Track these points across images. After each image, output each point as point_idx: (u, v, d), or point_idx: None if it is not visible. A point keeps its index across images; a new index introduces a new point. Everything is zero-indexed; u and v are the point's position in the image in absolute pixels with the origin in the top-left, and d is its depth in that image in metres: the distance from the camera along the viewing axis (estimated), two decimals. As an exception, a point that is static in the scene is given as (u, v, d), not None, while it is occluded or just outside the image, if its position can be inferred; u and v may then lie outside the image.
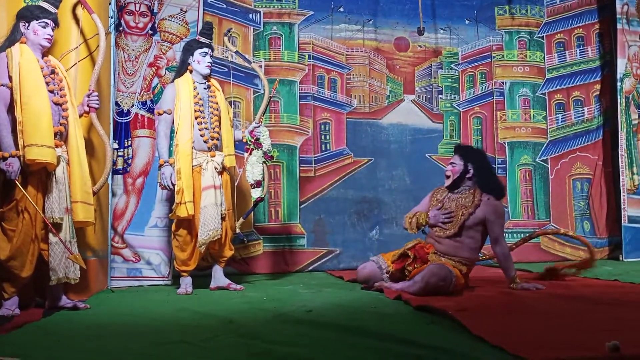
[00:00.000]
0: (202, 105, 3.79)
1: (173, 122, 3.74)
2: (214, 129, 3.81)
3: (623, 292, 3.31)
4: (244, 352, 2.03)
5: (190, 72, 3.84)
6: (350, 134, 5.27)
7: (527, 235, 4.52)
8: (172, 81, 3.87)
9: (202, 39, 3.89)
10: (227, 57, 4.91)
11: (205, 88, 3.87)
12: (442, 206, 3.54)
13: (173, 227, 3.75)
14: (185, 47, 3.92)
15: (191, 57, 3.83)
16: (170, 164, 3.68)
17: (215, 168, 3.74)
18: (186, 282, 3.74)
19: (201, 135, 3.74)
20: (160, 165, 3.71)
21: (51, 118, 2.97)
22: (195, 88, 3.79)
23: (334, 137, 5.24)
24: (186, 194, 3.61)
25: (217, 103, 3.88)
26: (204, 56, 3.83)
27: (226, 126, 3.90)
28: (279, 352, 2.01)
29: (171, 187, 3.67)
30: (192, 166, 3.68)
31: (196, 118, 3.74)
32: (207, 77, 3.90)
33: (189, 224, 3.70)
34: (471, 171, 3.52)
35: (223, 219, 3.72)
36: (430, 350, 1.96)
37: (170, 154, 3.81)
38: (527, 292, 3.33)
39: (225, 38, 4.58)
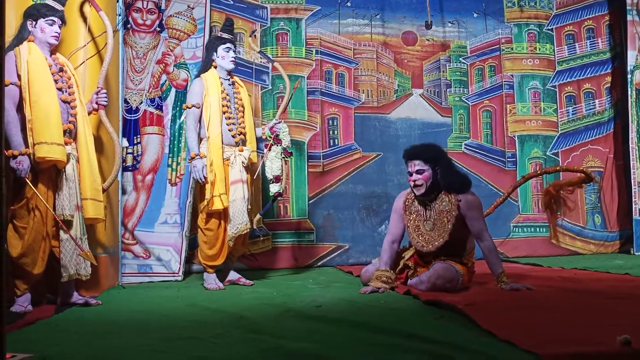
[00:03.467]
0: (229, 101, 3.84)
1: (201, 116, 3.77)
2: (240, 124, 3.87)
3: (634, 286, 3.28)
4: (254, 348, 2.03)
5: (215, 68, 3.88)
6: (359, 129, 5.26)
7: (518, 180, 4.45)
8: (198, 76, 3.91)
9: (225, 35, 3.93)
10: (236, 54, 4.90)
11: (230, 84, 3.92)
12: (420, 218, 3.35)
13: (201, 222, 3.77)
14: (209, 45, 3.99)
15: (215, 54, 3.89)
16: (202, 157, 3.70)
17: (242, 162, 3.78)
18: (213, 278, 3.76)
19: (229, 130, 3.79)
20: (192, 159, 3.72)
21: (60, 116, 2.99)
22: (221, 84, 3.84)
23: (342, 132, 5.23)
24: (219, 187, 3.66)
25: (241, 99, 3.95)
26: (228, 51, 3.88)
27: (250, 122, 3.97)
28: (289, 348, 2.02)
29: (203, 180, 3.69)
30: (222, 159, 3.73)
31: (224, 113, 3.78)
32: (230, 74, 3.95)
33: (219, 218, 3.73)
34: (439, 172, 3.27)
35: (248, 213, 3.76)
36: (439, 345, 1.96)
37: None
38: (538, 287, 3.28)
39: (250, 39, 4.61)
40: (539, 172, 4.68)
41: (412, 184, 3.30)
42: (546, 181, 5.30)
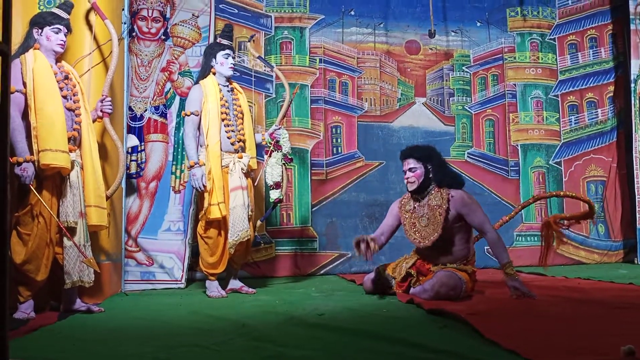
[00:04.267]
0: (228, 108, 3.82)
1: (199, 124, 3.75)
2: (239, 131, 3.85)
3: (638, 295, 3.27)
4: (256, 356, 2.03)
5: (214, 74, 3.86)
6: (362, 137, 5.27)
7: (525, 201, 4.45)
8: (196, 83, 3.89)
9: (224, 41, 3.91)
10: (240, 62, 4.93)
11: (228, 91, 3.90)
12: (415, 215, 3.43)
13: (200, 229, 3.74)
14: (207, 51, 3.95)
15: (214, 60, 3.86)
16: (201, 166, 3.69)
17: (242, 169, 3.76)
18: (215, 285, 3.74)
19: (228, 137, 3.76)
20: (191, 167, 3.70)
21: (65, 123, 3.00)
22: (220, 90, 3.82)
23: (345, 141, 5.24)
24: (218, 195, 3.63)
25: (240, 106, 3.92)
26: (227, 58, 3.86)
27: (249, 129, 3.95)
28: (291, 356, 2.02)
29: (202, 188, 3.66)
30: (221, 167, 3.71)
31: (223, 120, 3.76)
32: (229, 80, 3.94)
33: (218, 226, 3.71)
34: (431, 170, 3.41)
35: (249, 220, 3.75)
36: (442, 354, 1.95)
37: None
38: (541, 297, 3.27)
39: (249, 44, 4.62)
40: (547, 194, 4.72)
41: (405, 181, 3.47)
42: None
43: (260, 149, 4.21)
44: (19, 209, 2.95)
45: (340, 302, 3.27)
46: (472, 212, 3.33)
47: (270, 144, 3.97)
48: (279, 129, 4.01)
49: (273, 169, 3.94)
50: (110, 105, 3.41)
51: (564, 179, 5.50)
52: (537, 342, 2.10)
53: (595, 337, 2.16)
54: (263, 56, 5.01)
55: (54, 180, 3.01)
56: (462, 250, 3.40)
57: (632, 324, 2.43)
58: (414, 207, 3.47)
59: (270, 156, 3.96)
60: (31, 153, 2.90)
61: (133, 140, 4.25)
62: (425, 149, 3.52)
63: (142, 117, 4.38)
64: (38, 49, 3.08)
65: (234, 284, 3.90)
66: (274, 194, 3.96)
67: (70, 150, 3.04)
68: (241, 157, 3.79)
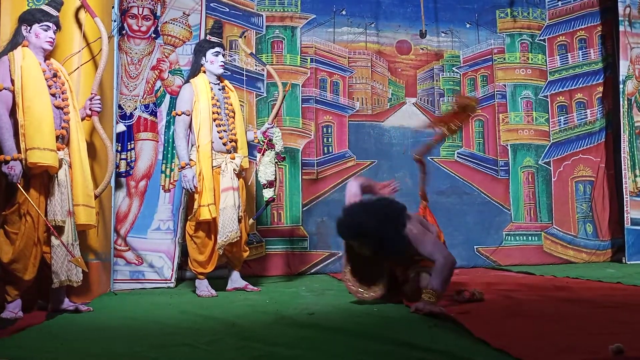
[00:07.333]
0: (219, 107, 3.78)
1: (191, 123, 3.71)
2: (231, 130, 3.81)
3: (626, 294, 3.30)
4: (246, 355, 2.03)
5: (204, 72, 3.82)
6: (353, 137, 5.27)
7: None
8: (187, 82, 3.82)
9: (213, 39, 3.86)
10: (231, 62, 4.92)
11: (220, 89, 3.86)
12: None
13: (189, 229, 3.72)
14: (197, 48, 3.90)
15: (203, 58, 3.81)
16: (192, 166, 3.65)
17: (234, 170, 3.74)
18: (205, 285, 3.72)
19: (220, 138, 3.73)
20: (182, 168, 3.67)
21: (53, 121, 2.98)
22: (211, 89, 3.77)
23: (336, 140, 5.24)
24: (208, 197, 3.60)
25: (231, 104, 3.88)
26: (217, 55, 3.81)
27: (240, 128, 3.91)
28: (281, 355, 2.01)
29: (193, 189, 3.63)
30: (212, 167, 3.68)
31: (214, 120, 3.72)
32: (220, 78, 3.90)
33: (208, 226, 3.69)
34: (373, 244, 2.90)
35: (240, 221, 3.73)
36: (432, 353, 1.96)
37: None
38: (530, 296, 3.30)
39: (240, 40, 4.59)
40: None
41: None
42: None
43: (251, 147, 4.19)
44: (6, 207, 2.92)
45: (330, 302, 3.27)
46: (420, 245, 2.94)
47: (263, 142, 3.95)
48: (272, 127, 4.00)
49: (266, 168, 3.92)
50: (100, 103, 3.38)
51: (552, 179, 5.54)
52: (526, 341, 2.11)
53: (583, 336, 2.17)
54: (249, 49, 4.98)
55: (42, 179, 2.98)
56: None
57: (620, 322, 2.45)
58: None
59: (263, 155, 3.94)
60: (19, 151, 2.88)
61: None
62: (354, 228, 2.92)
63: (132, 115, 4.35)
64: (27, 46, 3.05)
65: (238, 282, 3.88)
66: (267, 193, 3.94)
67: (59, 149, 3.01)
68: (233, 158, 3.76)
